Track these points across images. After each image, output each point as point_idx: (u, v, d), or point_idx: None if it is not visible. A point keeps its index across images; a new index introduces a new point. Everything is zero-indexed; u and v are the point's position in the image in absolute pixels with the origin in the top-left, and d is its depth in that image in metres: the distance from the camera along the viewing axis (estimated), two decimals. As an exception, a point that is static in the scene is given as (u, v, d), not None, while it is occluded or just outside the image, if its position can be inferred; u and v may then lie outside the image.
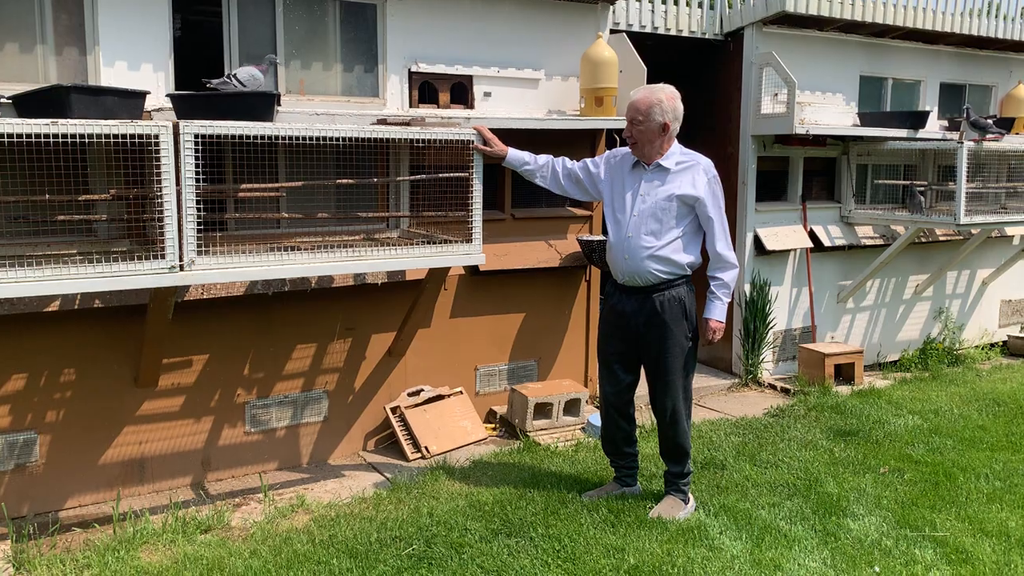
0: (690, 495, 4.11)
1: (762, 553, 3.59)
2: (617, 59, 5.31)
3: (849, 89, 7.00)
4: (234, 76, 4.05)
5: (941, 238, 7.45)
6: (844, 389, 6.38)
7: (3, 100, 3.67)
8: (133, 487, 4.46)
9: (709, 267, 3.96)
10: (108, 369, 4.33)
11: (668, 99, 3.81)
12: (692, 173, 3.86)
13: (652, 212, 3.85)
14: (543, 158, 4.17)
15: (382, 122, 4.45)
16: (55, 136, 3.19)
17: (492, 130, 4.17)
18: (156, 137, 3.36)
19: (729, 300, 3.96)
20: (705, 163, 3.91)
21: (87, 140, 3.26)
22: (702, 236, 3.94)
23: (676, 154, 3.89)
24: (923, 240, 7.29)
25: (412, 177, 4.51)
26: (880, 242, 7.15)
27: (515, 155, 4.15)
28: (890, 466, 4.68)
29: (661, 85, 3.87)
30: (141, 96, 3.72)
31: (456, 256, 4.22)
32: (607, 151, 4.19)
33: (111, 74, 4.20)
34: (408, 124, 4.34)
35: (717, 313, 3.93)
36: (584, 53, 5.35)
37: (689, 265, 3.91)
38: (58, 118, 3.23)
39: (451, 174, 4.20)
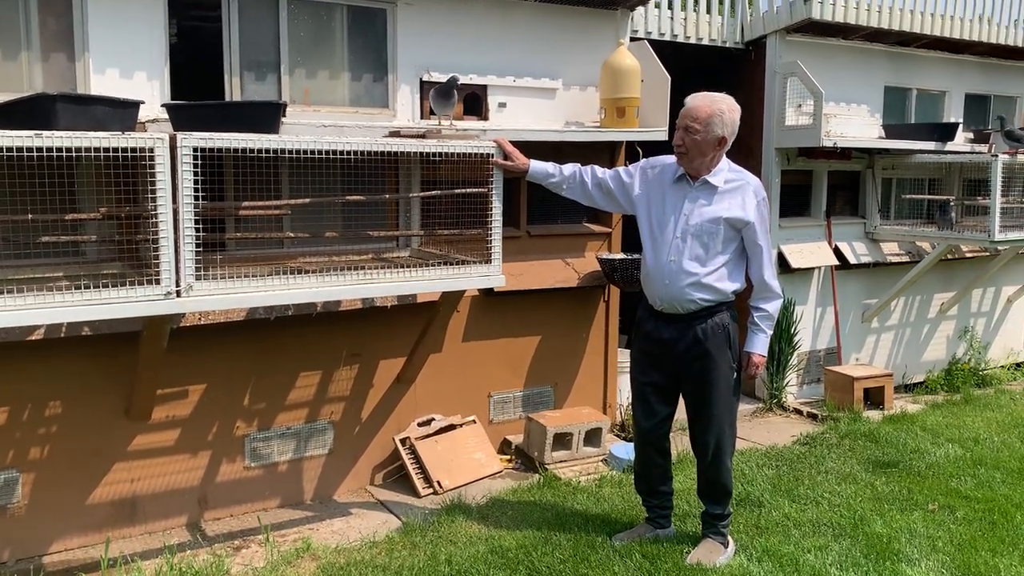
0: (729, 537, 3.79)
1: (816, 606, 3.28)
2: (640, 68, 5.02)
3: (874, 100, 6.73)
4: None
5: (968, 255, 7.18)
6: (874, 414, 6.06)
7: (-17, 110, 3.36)
8: (124, 528, 4.11)
9: (753, 296, 3.63)
10: (97, 401, 3.99)
11: (730, 111, 3.49)
12: (742, 194, 3.52)
13: (697, 235, 3.50)
14: (568, 168, 3.84)
15: (395, 134, 4.15)
16: (39, 150, 2.88)
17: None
18: (151, 151, 3.05)
19: (772, 332, 3.64)
20: (755, 184, 3.57)
21: (75, 154, 2.94)
22: (746, 260, 3.61)
23: (724, 171, 3.54)
24: (949, 257, 7.01)
25: (428, 193, 4.19)
26: (906, 259, 6.86)
27: (538, 167, 3.83)
28: (939, 502, 4.36)
29: (722, 95, 3.54)
30: (134, 106, 3.40)
31: (474, 278, 3.93)
32: (643, 160, 3.86)
33: (102, 82, 3.89)
34: (423, 136, 4.03)
35: (760, 347, 3.61)
36: (605, 61, 5.05)
37: (734, 292, 3.59)
38: (43, 129, 2.92)
39: (468, 190, 3.89)
